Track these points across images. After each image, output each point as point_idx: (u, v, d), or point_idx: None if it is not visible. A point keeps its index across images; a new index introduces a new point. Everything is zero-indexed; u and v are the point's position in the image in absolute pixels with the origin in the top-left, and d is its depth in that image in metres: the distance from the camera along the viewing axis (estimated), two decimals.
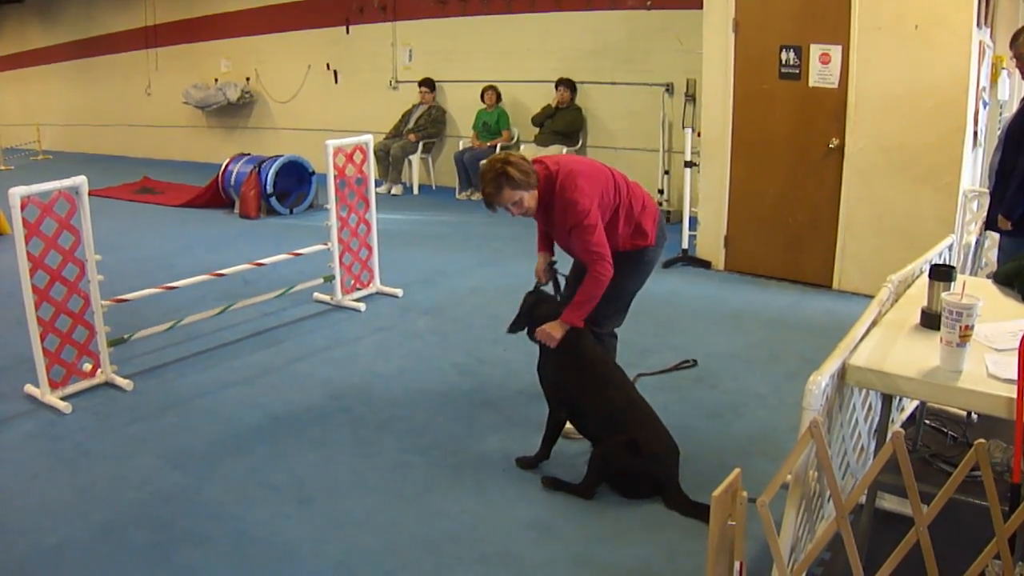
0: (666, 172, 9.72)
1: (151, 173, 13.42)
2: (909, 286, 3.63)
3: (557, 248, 4.46)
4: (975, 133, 6.62)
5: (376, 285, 7.01)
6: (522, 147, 11.02)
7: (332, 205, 6.54)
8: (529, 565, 3.43)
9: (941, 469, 3.97)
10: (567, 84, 10.46)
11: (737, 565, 2.16)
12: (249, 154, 10.95)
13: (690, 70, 8.53)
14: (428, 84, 11.86)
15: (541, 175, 4.08)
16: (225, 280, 6.34)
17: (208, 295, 6.69)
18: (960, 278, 3.15)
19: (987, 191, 5.03)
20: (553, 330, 4.07)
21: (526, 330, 4.29)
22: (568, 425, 4.21)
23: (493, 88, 11.22)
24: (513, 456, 4.23)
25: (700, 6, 7.44)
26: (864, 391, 3.01)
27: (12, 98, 18.46)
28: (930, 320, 3.06)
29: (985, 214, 5.01)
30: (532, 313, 4.23)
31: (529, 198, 4.08)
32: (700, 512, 3.62)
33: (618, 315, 4.50)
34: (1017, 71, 4.85)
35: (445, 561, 3.46)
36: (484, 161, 4.20)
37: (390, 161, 11.56)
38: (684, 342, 5.80)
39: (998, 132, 6.31)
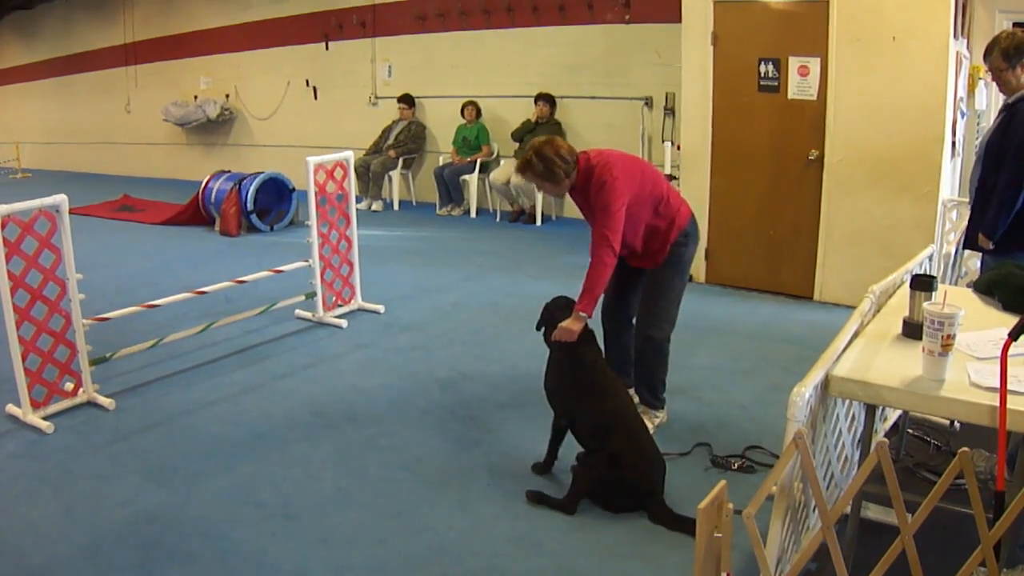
0: None
1: (131, 191, 13.36)
2: (890, 296, 3.65)
3: None
4: (953, 143, 6.68)
5: (358, 301, 6.99)
6: (502, 162, 11.05)
7: (313, 222, 6.53)
8: None
9: (925, 478, 3.99)
10: (546, 99, 10.48)
11: None
12: (229, 171, 10.93)
13: (669, 84, 8.59)
14: (407, 100, 11.87)
15: (581, 164, 4.37)
16: (207, 298, 6.34)
17: (190, 313, 6.67)
18: (941, 287, 3.17)
19: (966, 201, 5.03)
20: (570, 324, 4.12)
21: (543, 332, 4.33)
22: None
23: (473, 103, 11.24)
24: (497, 470, 4.24)
25: (679, 20, 7.47)
26: (847, 402, 3.03)
27: None
28: (912, 330, 3.08)
29: (965, 225, 5.01)
30: (552, 316, 4.26)
31: (551, 187, 4.45)
32: (685, 525, 3.62)
33: (671, 311, 4.70)
34: (993, 83, 4.85)
35: None
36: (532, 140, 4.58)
37: (370, 177, 11.56)
38: None
39: (976, 143, 6.35)
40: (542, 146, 4.33)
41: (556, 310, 4.26)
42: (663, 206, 4.48)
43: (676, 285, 4.65)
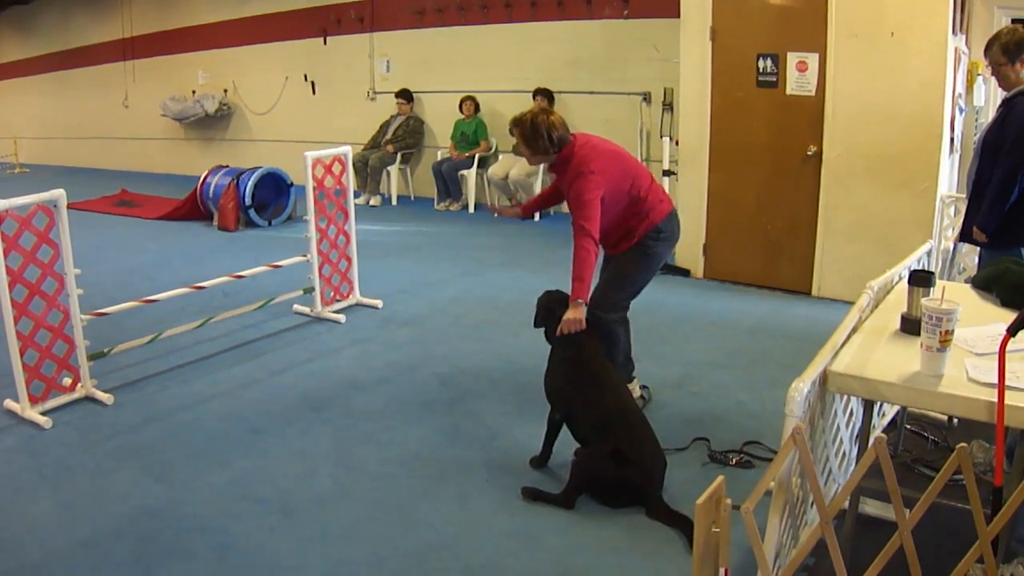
0: None
1: (129, 186, 13.36)
2: (888, 292, 3.65)
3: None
4: (951, 139, 6.67)
5: (356, 296, 6.99)
6: (500, 157, 11.05)
7: (311, 217, 6.52)
8: (515, 575, 3.43)
9: (923, 473, 3.98)
10: (544, 94, 10.47)
11: (722, 572, 2.16)
12: (227, 166, 10.92)
13: (667, 79, 8.57)
14: (405, 95, 11.87)
15: (566, 150, 4.47)
16: (205, 293, 6.33)
17: (188, 308, 6.67)
18: (939, 283, 3.17)
19: (964, 197, 5.04)
20: (573, 314, 4.16)
21: (544, 331, 4.36)
22: None
23: (471, 98, 11.24)
24: (496, 465, 4.24)
25: (677, 15, 7.47)
26: (845, 397, 3.02)
27: None
28: (910, 325, 3.08)
29: (962, 221, 5.01)
30: (552, 313, 4.28)
31: (527, 153, 4.56)
32: (682, 522, 3.61)
33: (620, 298, 4.68)
34: (993, 78, 4.85)
35: (430, 573, 3.44)
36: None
37: (368, 172, 11.55)
38: (664, 350, 5.81)
39: (974, 139, 6.34)
40: (540, 115, 4.47)
41: (554, 306, 4.28)
42: (640, 203, 4.53)
43: (635, 275, 4.66)
